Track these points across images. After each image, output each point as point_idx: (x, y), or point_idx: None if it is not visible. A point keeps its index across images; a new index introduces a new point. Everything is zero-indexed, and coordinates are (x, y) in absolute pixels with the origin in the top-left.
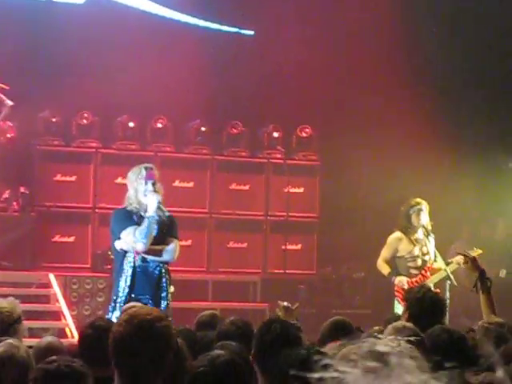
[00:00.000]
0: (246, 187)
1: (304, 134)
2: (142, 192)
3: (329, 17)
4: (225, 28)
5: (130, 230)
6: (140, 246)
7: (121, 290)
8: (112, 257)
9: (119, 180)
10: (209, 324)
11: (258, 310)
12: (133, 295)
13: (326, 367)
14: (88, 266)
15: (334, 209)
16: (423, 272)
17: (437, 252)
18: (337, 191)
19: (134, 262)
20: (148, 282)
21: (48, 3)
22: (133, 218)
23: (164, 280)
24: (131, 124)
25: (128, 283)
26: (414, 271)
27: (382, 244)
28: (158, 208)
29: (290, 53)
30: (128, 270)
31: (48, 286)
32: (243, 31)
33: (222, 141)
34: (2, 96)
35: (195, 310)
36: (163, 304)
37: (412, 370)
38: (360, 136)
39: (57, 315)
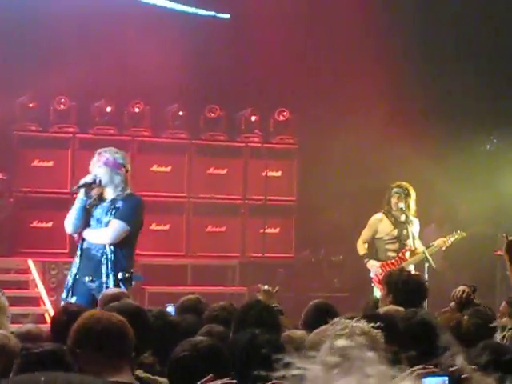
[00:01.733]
0: (224, 171)
1: (281, 118)
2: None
3: None
4: (201, 12)
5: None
6: (68, 230)
7: (70, 272)
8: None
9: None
10: (193, 308)
11: (236, 294)
12: (77, 277)
13: (287, 365)
14: (66, 251)
15: (312, 192)
16: (400, 255)
17: (415, 235)
18: (315, 175)
19: (81, 245)
20: (90, 263)
21: None
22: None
23: (106, 262)
24: (108, 109)
25: (75, 265)
26: (391, 253)
27: (359, 227)
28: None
29: (268, 36)
30: (77, 253)
31: (27, 271)
32: (219, 15)
33: (199, 125)
34: None
35: (175, 294)
36: (110, 285)
37: (372, 362)
38: (338, 119)
39: (36, 301)
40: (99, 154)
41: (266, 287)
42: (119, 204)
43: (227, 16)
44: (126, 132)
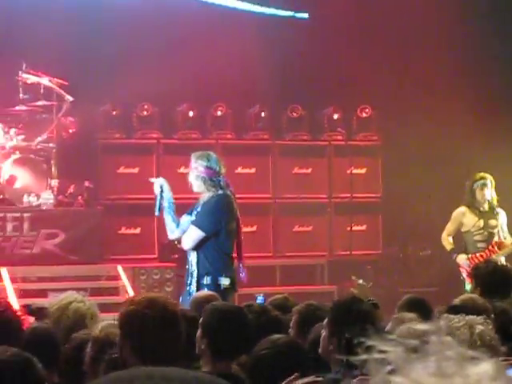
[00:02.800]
0: (309, 170)
1: (364, 115)
2: None
3: None
4: (280, 12)
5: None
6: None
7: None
8: (179, 246)
9: (182, 169)
10: (281, 307)
11: (326, 293)
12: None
13: (369, 349)
14: (155, 256)
15: (397, 188)
16: (490, 247)
17: (504, 225)
18: (399, 170)
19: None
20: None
21: None
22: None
23: (190, 267)
24: (191, 113)
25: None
26: (481, 245)
27: (446, 221)
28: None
29: (348, 33)
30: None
31: (117, 278)
32: (298, 14)
33: (282, 125)
34: (62, 92)
35: (264, 295)
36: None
37: (451, 345)
38: (421, 113)
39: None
40: (195, 161)
41: (360, 281)
42: (199, 208)
43: (305, 15)
44: (210, 135)
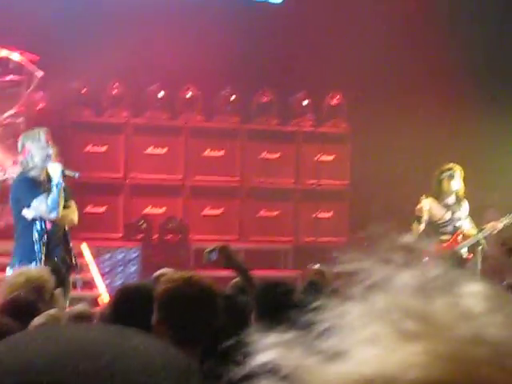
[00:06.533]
0: (277, 155)
1: (334, 102)
2: (44, 156)
3: None
4: None
5: (41, 199)
6: (53, 215)
7: (33, 255)
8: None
9: (150, 150)
10: (242, 289)
11: (289, 278)
12: (46, 258)
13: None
14: (120, 235)
15: (365, 176)
16: (454, 237)
17: (469, 218)
18: (368, 158)
19: (44, 228)
20: (57, 244)
21: None
22: (39, 185)
23: (69, 239)
24: (161, 94)
25: (39, 247)
26: (445, 237)
27: (413, 209)
28: (62, 173)
29: (319, 18)
30: (36, 235)
31: (80, 255)
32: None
33: (251, 109)
34: (32, 66)
35: (227, 278)
36: (74, 260)
37: (438, 264)
38: (391, 102)
39: (89, 285)
40: (47, 133)
41: (317, 266)
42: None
43: (279, 0)
44: (179, 117)
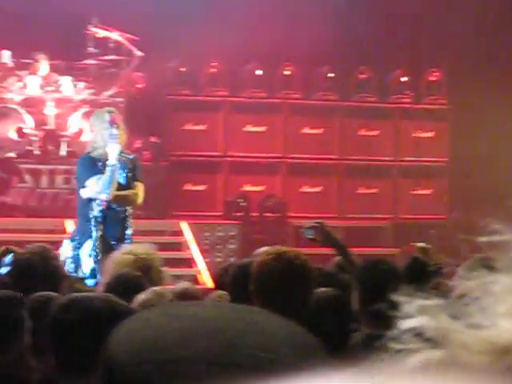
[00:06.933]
0: (375, 133)
1: (433, 78)
2: (106, 136)
3: None
4: None
5: (94, 179)
6: (104, 196)
7: (89, 232)
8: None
9: (248, 128)
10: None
11: (388, 256)
12: (101, 237)
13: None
14: (219, 213)
15: (465, 153)
16: None
17: None
18: (467, 135)
19: (100, 207)
20: (114, 224)
21: None
22: (97, 165)
23: (128, 222)
24: (259, 72)
25: (96, 227)
26: None
27: None
28: (120, 154)
29: None
30: (93, 214)
31: (180, 233)
32: None
33: (349, 86)
34: (132, 46)
35: (328, 255)
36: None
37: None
38: (490, 77)
39: (189, 262)
40: (114, 113)
41: (421, 244)
42: (131, 166)
43: None
44: (277, 95)
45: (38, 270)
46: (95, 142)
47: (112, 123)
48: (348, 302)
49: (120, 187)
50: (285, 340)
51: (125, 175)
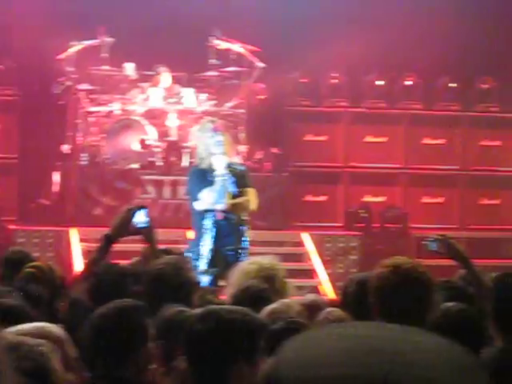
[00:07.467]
0: (498, 143)
1: None
2: (212, 145)
3: None
4: None
5: (207, 191)
6: (220, 207)
7: (205, 243)
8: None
9: (368, 138)
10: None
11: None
12: (215, 247)
13: None
14: (340, 224)
15: None
16: None
17: None
18: None
19: (214, 219)
20: (229, 234)
21: None
22: (207, 177)
23: (243, 231)
24: (379, 82)
25: (212, 238)
26: None
27: None
28: (230, 166)
29: None
30: (207, 226)
31: (301, 244)
32: None
33: (471, 96)
34: (253, 58)
35: (447, 267)
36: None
37: None
38: None
39: (310, 273)
40: (216, 122)
41: None
42: (240, 175)
43: None
44: (398, 105)
45: (170, 281)
46: (200, 153)
47: (215, 130)
48: (477, 316)
49: (232, 196)
50: (447, 360)
51: (234, 184)
